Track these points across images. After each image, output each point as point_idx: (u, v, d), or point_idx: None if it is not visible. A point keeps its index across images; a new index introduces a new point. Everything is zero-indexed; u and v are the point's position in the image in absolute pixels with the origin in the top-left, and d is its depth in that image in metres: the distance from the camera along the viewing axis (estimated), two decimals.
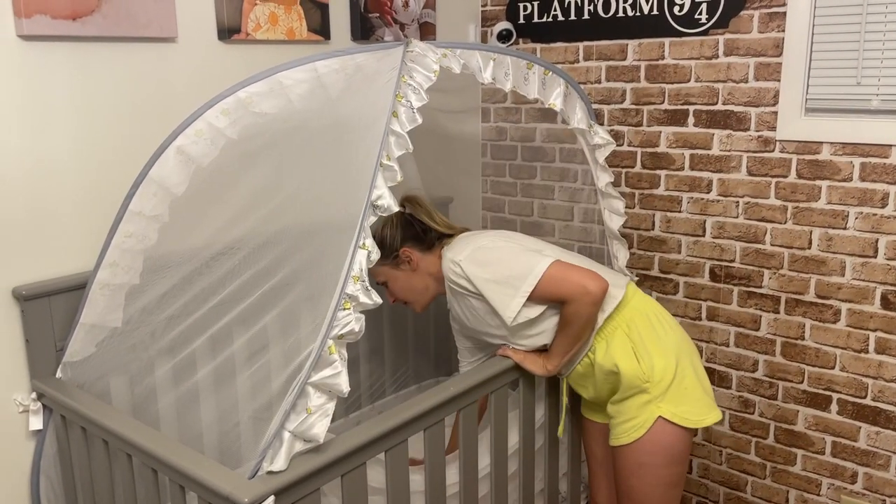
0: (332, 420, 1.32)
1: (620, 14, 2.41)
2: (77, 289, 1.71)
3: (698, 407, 1.78)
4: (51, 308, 1.71)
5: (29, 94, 1.65)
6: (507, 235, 1.87)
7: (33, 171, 1.69)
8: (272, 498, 1.24)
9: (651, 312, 1.81)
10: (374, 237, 1.74)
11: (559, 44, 2.59)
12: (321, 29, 2.22)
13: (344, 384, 1.29)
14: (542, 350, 1.84)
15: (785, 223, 2.21)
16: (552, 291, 1.71)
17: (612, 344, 1.77)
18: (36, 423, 1.73)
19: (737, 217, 2.30)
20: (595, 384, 1.83)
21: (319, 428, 1.29)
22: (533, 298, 1.72)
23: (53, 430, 1.74)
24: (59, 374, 1.73)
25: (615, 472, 1.85)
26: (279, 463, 1.28)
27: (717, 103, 2.28)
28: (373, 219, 1.35)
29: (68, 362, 1.72)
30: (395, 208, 1.36)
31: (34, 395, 1.72)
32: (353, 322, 1.29)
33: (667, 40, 2.34)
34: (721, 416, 1.82)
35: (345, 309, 1.29)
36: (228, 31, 1.98)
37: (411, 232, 1.90)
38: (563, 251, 1.87)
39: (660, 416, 1.74)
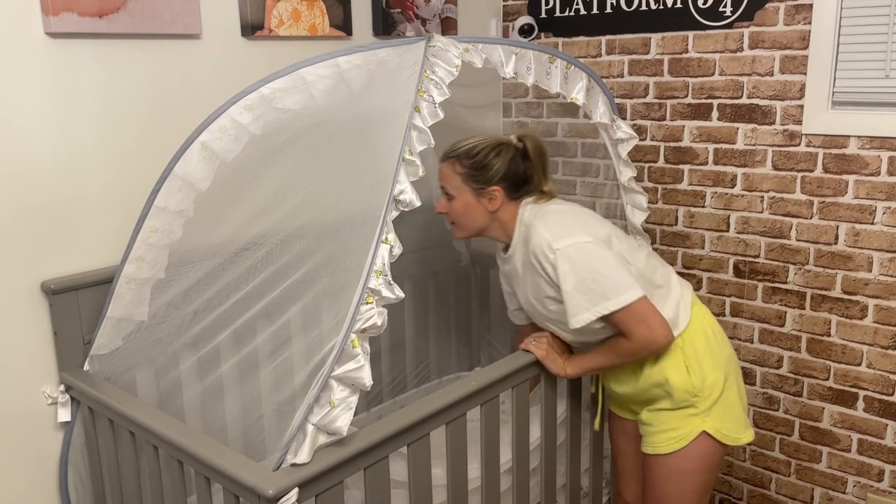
0: (355, 414, 1.32)
1: (643, 7, 2.40)
2: (104, 283, 1.74)
3: (738, 425, 1.78)
4: (78, 302, 1.74)
5: (57, 91, 1.68)
6: (605, 231, 1.73)
7: (61, 167, 1.71)
8: (296, 490, 1.25)
9: (708, 327, 1.79)
10: (475, 153, 1.74)
11: (581, 38, 2.57)
12: (343, 25, 2.22)
13: (367, 377, 1.30)
14: (567, 347, 1.84)
15: (811, 218, 2.19)
16: (624, 323, 1.65)
17: (663, 356, 1.74)
18: (64, 414, 1.76)
19: (761, 212, 2.27)
20: (635, 388, 1.80)
21: (343, 421, 1.30)
22: (604, 318, 1.66)
23: (81, 422, 1.77)
24: (86, 367, 1.76)
25: (647, 478, 1.84)
26: (303, 455, 1.29)
27: (741, 97, 2.25)
28: (395, 213, 1.35)
29: (95, 355, 1.75)
30: (417, 203, 1.36)
31: (62, 387, 1.75)
32: (375, 316, 1.30)
33: (690, 33, 2.31)
34: (753, 437, 1.82)
35: (367, 303, 1.29)
36: (252, 28, 2.00)
37: (513, 173, 1.77)
38: (653, 256, 1.85)
39: (703, 431, 1.73)
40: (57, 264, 1.73)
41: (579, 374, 1.80)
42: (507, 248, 1.84)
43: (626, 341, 1.68)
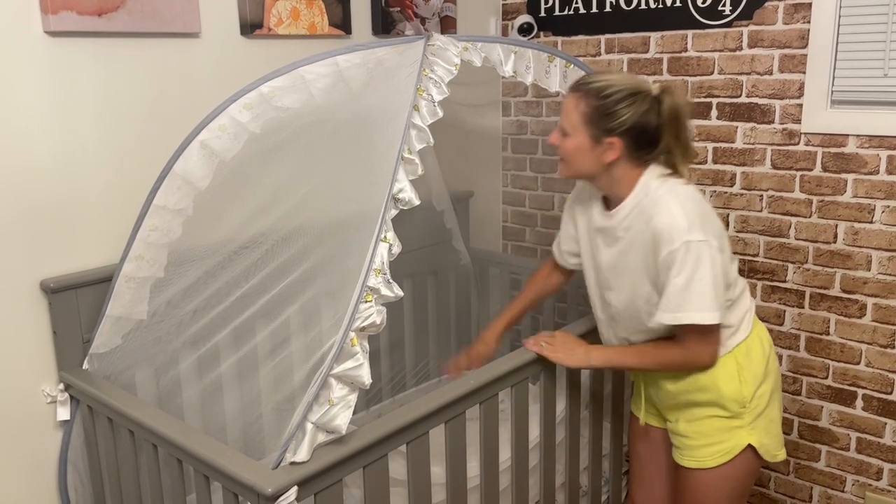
0: (354, 412, 1.32)
1: (643, 6, 2.40)
2: (103, 281, 1.74)
3: (777, 441, 1.74)
4: (78, 300, 1.74)
5: (56, 90, 1.68)
6: (723, 237, 1.62)
7: (60, 165, 1.71)
8: (295, 488, 1.26)
9: (765, 339, 1.74)
10: (606, 94, 1.55)
11: (580, 37, 2.57)
12: (342, 23, 2.22)
13: (366, 376, 1.30)
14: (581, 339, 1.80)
15: (810, 217, 2.19)
16: (688, 336, 1.60)
17: (717, 364, 1.67)
18: (63, 413, 1.76)
19: (761, 211, 2.28)
20: (676, 390, 1.73)
21: (342, 419, 1.30)
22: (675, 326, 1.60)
23: (80, 421, 1.77)
24: (85, 366, 1.76)
25: (682, 489, 1.77)
26: (302, 454, 1.29)
27: (740, 96, 2.25)
28: (394, 212, 1.35)
29: (95, 354, 1.75)
30: (416, 202, 1.36)
31: (61, 386, 1.75)
32: (374, 314, 1.30)
33: (690, 32, 2.31)
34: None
35: (366, 301, 1.29)
36: (251, 27, 2.00)
37: (641, 129, 1.57)
38: (734, 261, 1.73)
39: (749, 444, 1.68)
40: (56, 263, 1.73)
41: (602, 366, 1.75)
42: (607, 204, 1.70)
43: (676, 351, 1.64)
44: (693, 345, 1.62)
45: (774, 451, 1.73)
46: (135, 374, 1.83)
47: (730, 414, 1.67)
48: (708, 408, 1.69)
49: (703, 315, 1.55)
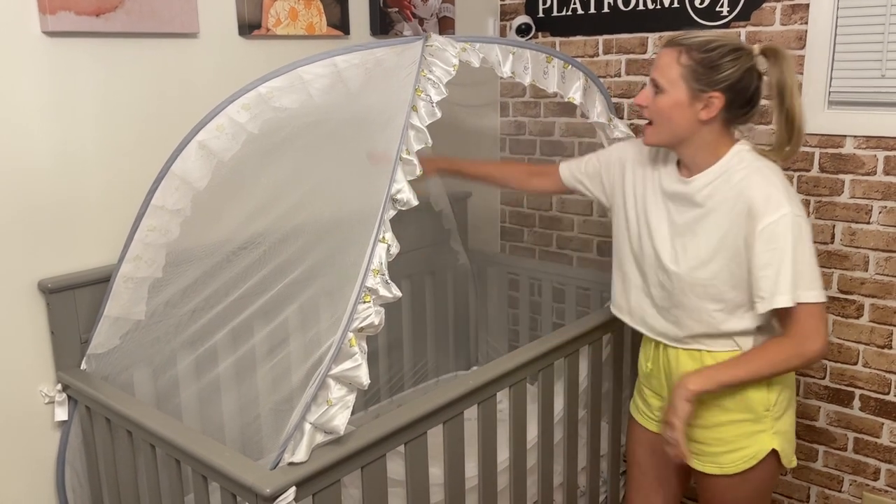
0: (352, 413, 1.32)
1: (640, 7, 2.40)
2: (101, 282, 1.73)
3: (792, 447, 1.69)
4: (76, 301, 1.74)
5: (54, 90, 1.68)
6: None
7: (58, 165, 1.71)
8: (293, 489, 1.26)
9: None
10: (710, 48, 1.48)
11: (578, 37, 2.58)
12: (341, 24, 2.22)
13: (364, 376, 1.30)
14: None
15: (807, 217, 2.19)
16: (798, 321, 1.49)
17: None
18: (61, 414, 1.76)
19: None
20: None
21: (340, 420, 1.30)
22: (785, 312, 1.50)
23: (78, 421, 1.77)
24: (83, 366, 1.75)
25: (709, 498, 1.72)
26: (300, 454, 1.29)
27: None
28: (392, 212, 1.35)
29: (93, 354, 1.75)
30: (415, 202, 1.36)
31: (59, 386, 1.75)
32: (373, 315, 1.30)
33: None
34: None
35: (365, 302, 1.29)
36: (249, 27, 2.00)
37: (743, 87, 1.52)
38: None
39: (773, 449, 1.62)
40: (54, 263, 1.73)
41: (710, 390, 1.56)
42: (682, 170, 1.63)
43: (787, 344, 1.51)
44: (806, 330, 1.49)
45: (791, 456, 1.68)
46: (133, 374, 1.83)
47: (754, 418, 1.61)
48: (732, 412, 1.63)
49: (815, 293, 1.48)
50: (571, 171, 1.92)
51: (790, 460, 1.68)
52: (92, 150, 1.76)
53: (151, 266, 1.69)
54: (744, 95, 1.53)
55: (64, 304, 1.72)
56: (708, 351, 1.64)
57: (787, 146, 1.58)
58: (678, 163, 1.66)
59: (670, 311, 1.67)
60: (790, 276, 1.47)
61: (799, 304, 1.48)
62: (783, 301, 1.48)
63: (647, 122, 1.59)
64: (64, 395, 1.75)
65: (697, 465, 1.70)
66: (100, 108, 1.76)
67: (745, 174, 1.53)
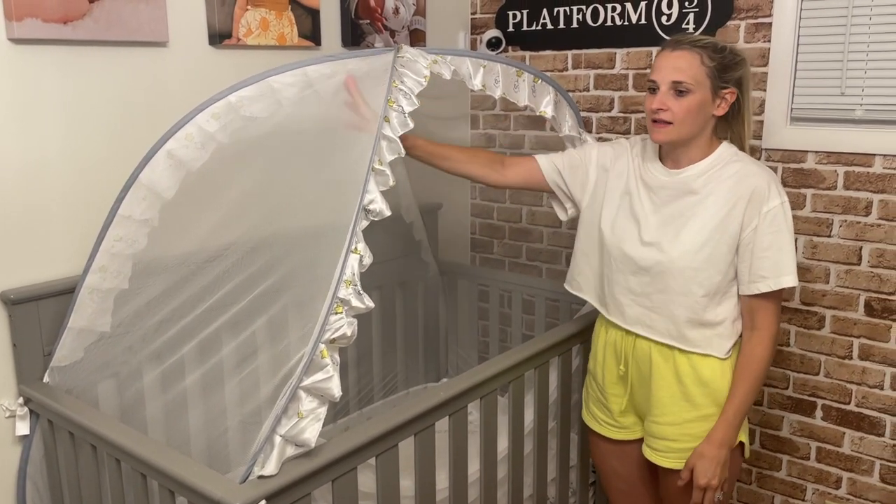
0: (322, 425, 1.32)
1: (609, 23, 2.44)
2: (66, 293, 1.70)
3: (748, 436, 1.76)
4: (39, 312, 1.70)
5: (20, 98, 1.65)
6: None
7: (23, 174, 1.68)
8: (263, 502, 1.24)
9: None
10: (723, 48, 1.61)
11: (548, 52, 2.61)
12: (312, 35, 2.22)
13: (336, 388, 1.29)
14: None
15: None
16: (766, 308, 1.63)
17: (727, 361, 1.68)
18: (23, 428, 1.72)
19: None
20: (670, 384, 1.71)
21: (311, 432, 1.29)
22: (758, 296, 1.62)
23: (40, 436, 1.73)
24: (46, 379, 1.72)
25: (671, 496, 1.76)
26: (270, 467, 1.28)
27: None
28: (365, 223, 1.35)
29: (56, 367, 1.71)
30: (387, 213, 1.36)
31: (21, 399, 1.71)
32: (345, 326, 1.29)
33: (654, 49, 2.36)
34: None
35: (337, 313, 1.29)
36: (220, 37, 1.99)
37: (746, 84, 1.66)
38: None
39: (740, 442, 1.70)
40: (17, 274, 1.69)
41: (735, 431, 1.66)
42: (667, 164, 1.71)
43: (759, 340, 1.63)
44: (776, 314, 1.63)
45: (748, 446, 1.77)
46: (97, 387, 1.79)
47: (721, 411, 1.66)
48: (701, 408, 1.68)
49: (793, 277, 1.60)
50: (552, 161, 1.90)
51: (749, 450, 1.75)
52: (57, 159, 1.73)
53: (117, 277, 1.66)
54: (744, 90, 1.66)
55: (27, 315, 1.69)
56: (680, 350, 1.69)
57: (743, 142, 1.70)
58: (661, 158, 1.73)
59: (651, 297, 1.71)
60: (791, 259, 1.60)
61: (780, 290, 1.61)
62: (789, 281, 1.60)
63: (661, 122, 1.62)
64: (26, 409, 1.71)
65: (663, 461, 1.74)
66: (66, 117, 1.73)
67: (742, 164, 1.64)
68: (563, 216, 1.94)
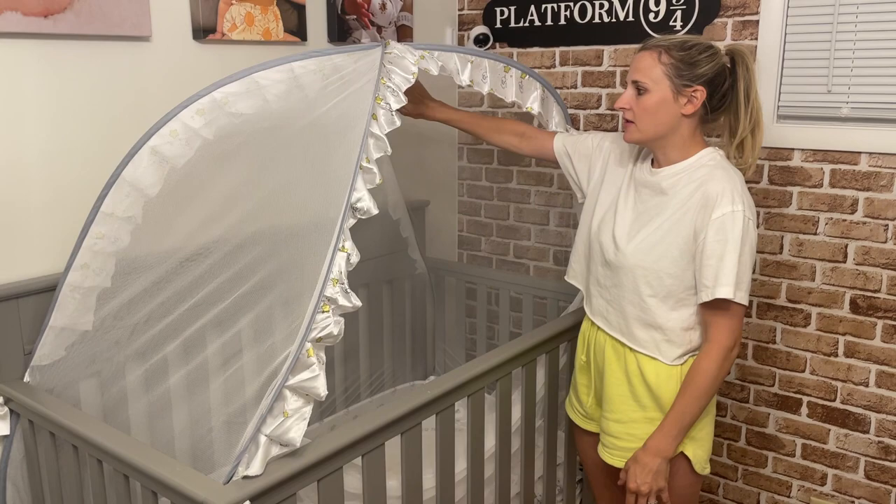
0: (308, 424, 1.30)
1: (596, 20, 2.43)
2: (47, 291, 1.68)
3: (707, 454, 1.73)
4: (19, 310, 1.68)
5: None
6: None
7: (3, 170, 1.65)
8: (248, 503, 1.23)
9: None
10: (688, 46, 1.58)
11: (535, 49, 2.60)
12: (298, 30, 2.20)
13: (322, 387, 1.28)
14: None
15: (757, 228, 2.24)
16: (717, 321, 1.58)
17: (675, 369, 1.68)
18: (2, 428, 1.69)
19: None
20: (619, 381, 1.73)
21: (296, 432, 1.28)
22: (707, 306, 1.59)
23: (21, 436, 1.70)
24: (27, 378, 1.69)
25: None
26: (255, 467, 1.26)
27: None
28: (352, 221, 1.34)
29: (37, 366, 1.68)
30: (375, 211, 1.35)
31: (1, 399, 1.68)
32: (332, 325, 1.28)
33: None
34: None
35: (323, 312, 1.28)
36: (204, 31, 1.96)
37: (720, 82, 1.61)
38: None
39: (682, 452, 1.69)
40: None
41: (675, 438, 1.63)
42: (655, 163, 1.72)
43: (709, 353, 1.58)
44: (732, 326, 1.57)
45: (704, 463, 1.73)
46: (79, 387, 1.77)
47: (658, 412, 1.68)
48: (648, 410, 1.69)
49: (745, 296, 1.55)
50: (565, 144, 1.93)
51: (703, 467, 1.73)
52: (38, 155, 1.71)
53: (100, 275, 1.64)
54: (720, 89, 1.62)
55: (7, 313, 1.66)
56: (630, 349, 1.71)
57: (751, 144, 1.66)
58: (652, 160, 1.74)
59: (609, 290, 1.74)
60: (734, 270, 1.54)
61: (732, 302, 1.56)
62: (725, 292, 1.54)
63: (626, 121, 1.66)
64: (6, 409, 1.69)
65: (608, 458, 1.77)
66: (47, 112, 1.71)
67: (709, 170, 1.62)
68: (579, 197, 1.95)
